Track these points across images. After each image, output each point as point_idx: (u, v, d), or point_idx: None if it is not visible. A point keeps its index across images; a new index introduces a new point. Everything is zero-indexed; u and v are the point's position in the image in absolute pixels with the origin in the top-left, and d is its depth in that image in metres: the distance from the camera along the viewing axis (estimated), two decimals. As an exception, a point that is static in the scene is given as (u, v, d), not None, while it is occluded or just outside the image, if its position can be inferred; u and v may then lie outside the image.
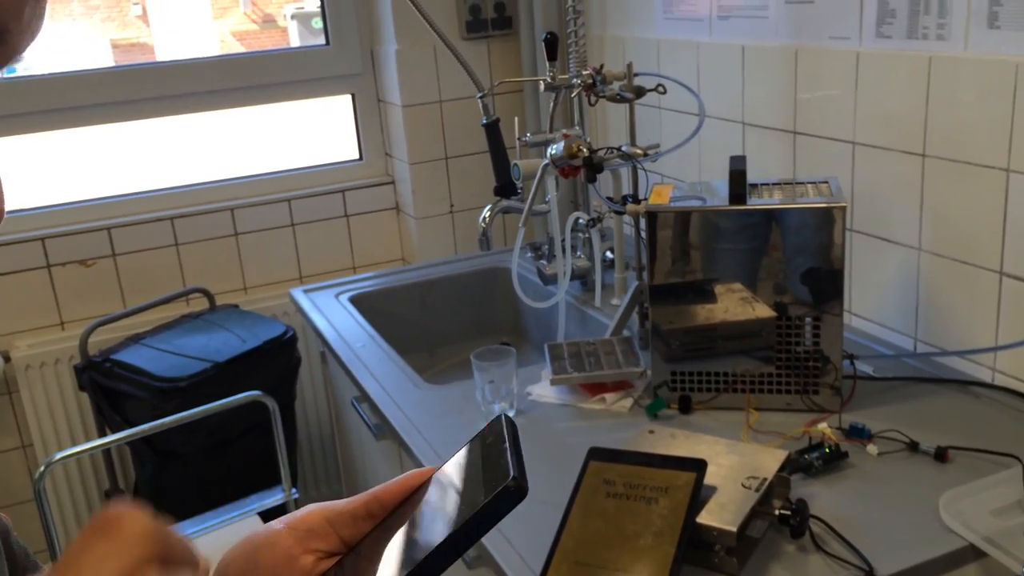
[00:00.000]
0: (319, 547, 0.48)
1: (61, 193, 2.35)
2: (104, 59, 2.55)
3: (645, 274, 1.54)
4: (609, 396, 1.40)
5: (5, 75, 2.19)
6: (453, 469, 0.54)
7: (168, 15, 2.76)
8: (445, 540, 0.48)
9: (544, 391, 1.43)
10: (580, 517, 1.02)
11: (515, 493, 0.49)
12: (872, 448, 1.20)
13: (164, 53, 2.56)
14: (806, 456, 1.17)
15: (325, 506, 0.49)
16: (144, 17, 2.70)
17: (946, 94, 1.32)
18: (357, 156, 2.57)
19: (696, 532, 0.99)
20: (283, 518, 0.50)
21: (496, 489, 0.49)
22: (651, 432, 1.19)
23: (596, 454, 1.08)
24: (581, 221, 1.52)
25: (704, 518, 1.00)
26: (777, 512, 1.05)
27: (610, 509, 1.02)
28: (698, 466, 1.03)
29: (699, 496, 1.01)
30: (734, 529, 0.98)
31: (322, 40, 2.47)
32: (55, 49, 2.44)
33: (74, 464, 2.28)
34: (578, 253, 1.91)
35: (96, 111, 2.28)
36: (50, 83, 2.23)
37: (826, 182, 1.34)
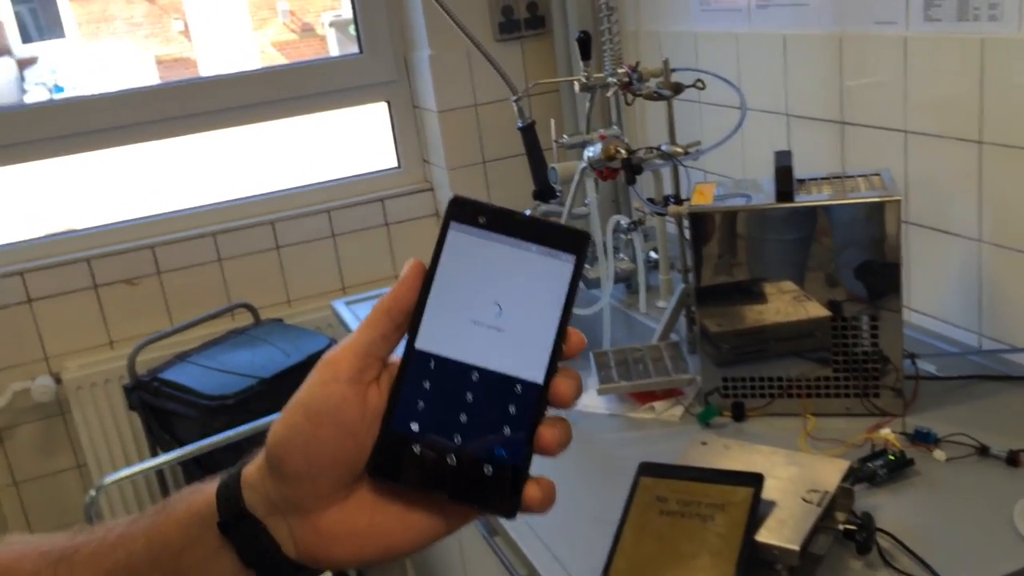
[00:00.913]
0: (370, 378, 0.49)
1: (105, 213, 2.37)
2: (149, 75, 2.57)
3: (691, 276, 1.50)
4: (659, 404, 1.36)
5: (54, 95, 2.21)
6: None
7: (209, 29, 2.78)
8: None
9: (591, 401, 1.40)
10: (632, 537, 0.99)
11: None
12: (939, 454, 1.15)
13: (207, 67, 2.57)
14: (869, 464, 1.12)
15: (350, 343, 0.49)
16: (186, 32, 2.72)
17: (1001, 77, 1.25)
18: (395, 164, 2.55)
19: (755, 551, 0.95)
20: (318, 377, 0.49)
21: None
22: (704, 443, 1.15)
23: (647, 469, 1.04)
24: (623, 224, 1.48)
25: (764, 536, 0.96)
26: (842, 527, 1.00)
27: (664, 528, 0.98)
28: (755, 480, 0.99)
29: (757, 512, 0.97)
30: (796, 547, 0.94)
31: (356, 47, 2.46)
32: (103, 68, 2.47)
33: (128, 483, 2.30)
34: (620, 255, 1.87)
35: (141, 129, 2.29)
36: (95, 104, 2.25)
37: (878, 174, 1.28)
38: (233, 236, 2.37)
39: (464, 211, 0.49)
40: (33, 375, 2.26)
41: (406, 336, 0.49)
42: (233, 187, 2.45)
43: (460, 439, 0.48)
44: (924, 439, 1.18)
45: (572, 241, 0.49)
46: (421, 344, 0.49)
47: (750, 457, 1.10)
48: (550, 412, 0.49)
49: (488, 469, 0.48)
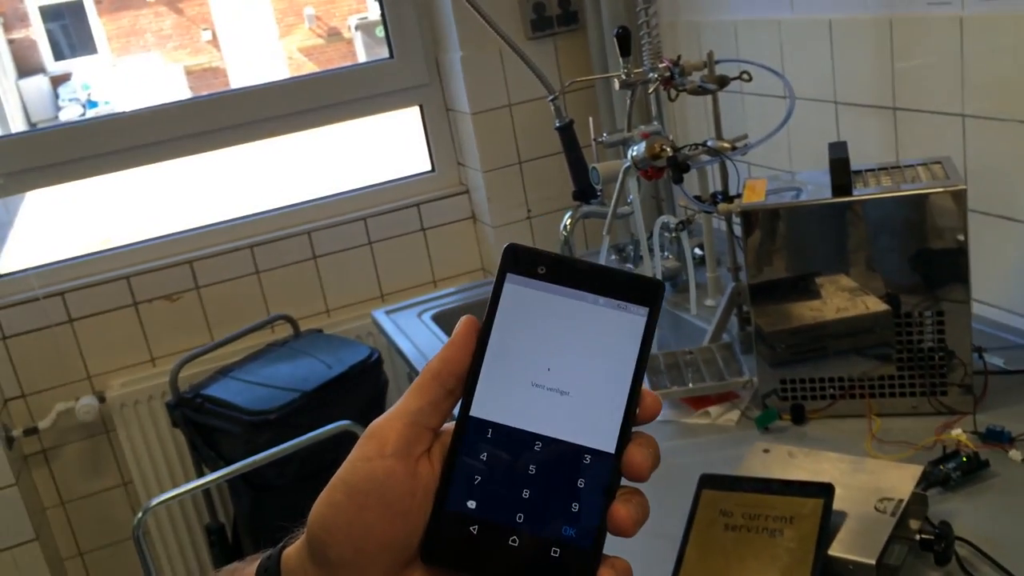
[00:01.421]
0: (420, 451, 0.44)
1: (142, 230, 2.36)
2: (179, 86, 2.57)
3: (742, 274, 1.45)
4: (714, 409, 1.31)
5: (87, 110, 2.21)
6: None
7: (237, 37, 2.77)
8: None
9: (643, 407, 1.35)
10: (697, 554, 0.94)
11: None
12: (1015, 453, 1.09)
13: (236, 75, 2.56)
14: (941, 467, 1.06)
15: (397, 412, 0.44)
16: (215, 42, 2.72)
17: (1068, 54, 1.19)
18: (429, 168, 2.52)
19: (829, 566, 0.90)
20: (362, 451, 0.44)
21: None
22: (765, 451, 1.10)
23: (709, 482, 1.00)
24: (671, 224, 1.44)
25: (837, 550, 0.91)
26: (918, 536, 0.95)
27: (729, 544, 0.94)
28: (825, 491, 0.94)
29: (829, 525, 0.92)
30: (873, 561, 0.89)
31: (385, 48, 2.43)
32: (134, 82, 2.47)
33: (175, 502, 2.29)
34: (665, 254, 1.82)
35: (174, 145, 2.29)
36: (128, 122, 2.25)
37: (938, 162, 1.22)
38: (270, 248, 2.36)
39: (520, 261, 0.45)
40: (77, 395, 2.26)
41: (460, 403, 0.45)
42: (268, 198, 2.44)
43: (523, 518, 0.43)
44: (997, 438, 1.12)
45: (644, 291, 0.44)
46: (477, 411, 0.44)
47: (816, 465, 1.05)
48: (624, 484, 0.44)
49: (556, 552, 0.42)
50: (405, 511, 0.43)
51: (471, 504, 0.43)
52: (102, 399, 2.26)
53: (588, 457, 0.43)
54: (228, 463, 1.78)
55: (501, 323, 0.44)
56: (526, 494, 0.43)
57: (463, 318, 0.45)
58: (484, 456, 0.43)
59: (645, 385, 0.44)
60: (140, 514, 1.58)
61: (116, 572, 2.38)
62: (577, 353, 0.44)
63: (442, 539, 0.43)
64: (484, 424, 0.44)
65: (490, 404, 0.44)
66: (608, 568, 0.42)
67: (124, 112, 2.28)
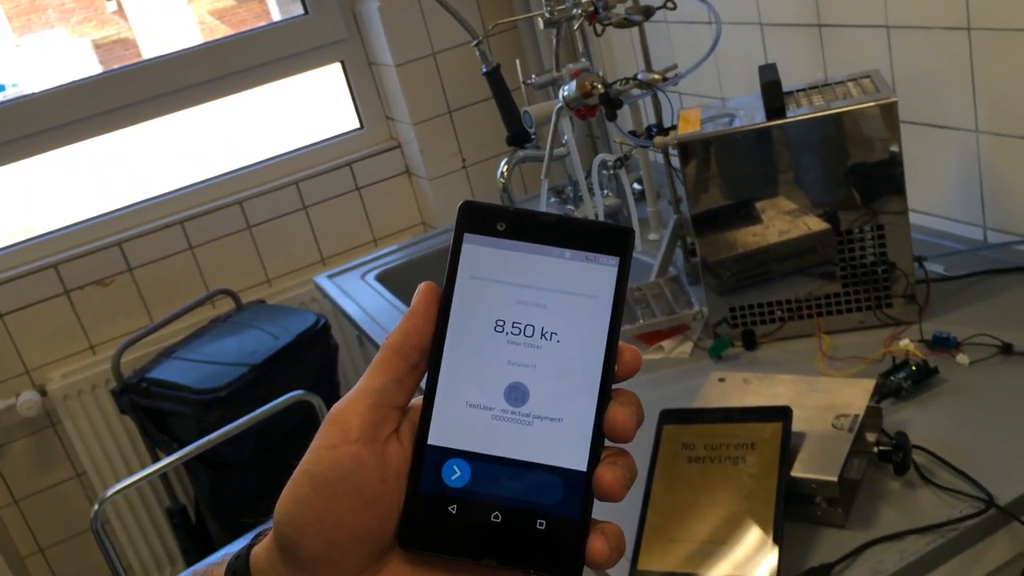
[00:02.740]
0: (388, 432, 0.41)
1: (64, 215, 2.27)
2: (88, 62, 2.45)
3: (683, 206, 1.44)
4: (667, 343, 1.31)
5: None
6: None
7: (144, 5, 2.66)
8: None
9: (597, 348, 1.35)
10: (663, 489, 0.95)
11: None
12: (962, 358, 1.11)
13: (147, 46, 2.45)
14: (892, 378, 1.08)
15: (358, 393, 0.41)
16: (121, 12, 2.60)
17: (987, -44, 1.19)
18: (357, 125, 2.46)
19: (793, 487, 0.91)
20: (325, 439, 0.40)
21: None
22: (721, 380, 1.10)
23: (669, 416, 1.00)
24: (608, 162, 1.42)
25: (799, 470, 0.92)
26: (876, 449, 0.96)
27: (694, 476, 0.94)
28: (783, 414, 0.95)
29: (789, 447, 0.93)
30: (835, 478, 0.90)
31: (299, 4, 2.35)
32: (40, 61, 2.35)
33: (133, 489, 2.25)
34: (605, 191, 1.81)
35: (89, 124, 2.19)
36: (36, 103, 2.14)
37: (867, 76, 1.22)
38: (201, 221, 2.29)
39: (478, 218, 0.42)
40: (17, 391, 2.19)
41: (426, 377, 0.42)
42: (195, 171, 2.36)
43: (504, 492, 0.40)
44: (944, 344, 1.14)
45: (613, 240, 0.41)
46: (445, 384, 0.41)
47: (772, 389, 1.06)
48: (609, 446, 0.41)
49: (541, 524, 0.40)
50: (377, 498, 0.40)
51: (447, 483, 0.41)
52: (43, 393, 2.19)
53: (567, 420, 0.41)
54: (182, 445, 1.74)
55: (462, 287, 0.42)
56: (505, 467, 0.41)
57: (421, 285, 0.42)
58: (457, 431, 0.41)
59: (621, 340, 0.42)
60: (97, 505, 1.54)
61: (80, 564, 2.34)
62: (547, 312, 0.41)
63: (419, 522, 0.41)
64: (454, 397, 0.41)
65: (459, 375, 0.41)
66: (598, 535, 0.40)
67: (34, 93, 2.17)
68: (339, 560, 0.40)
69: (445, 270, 0.42)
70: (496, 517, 0.40)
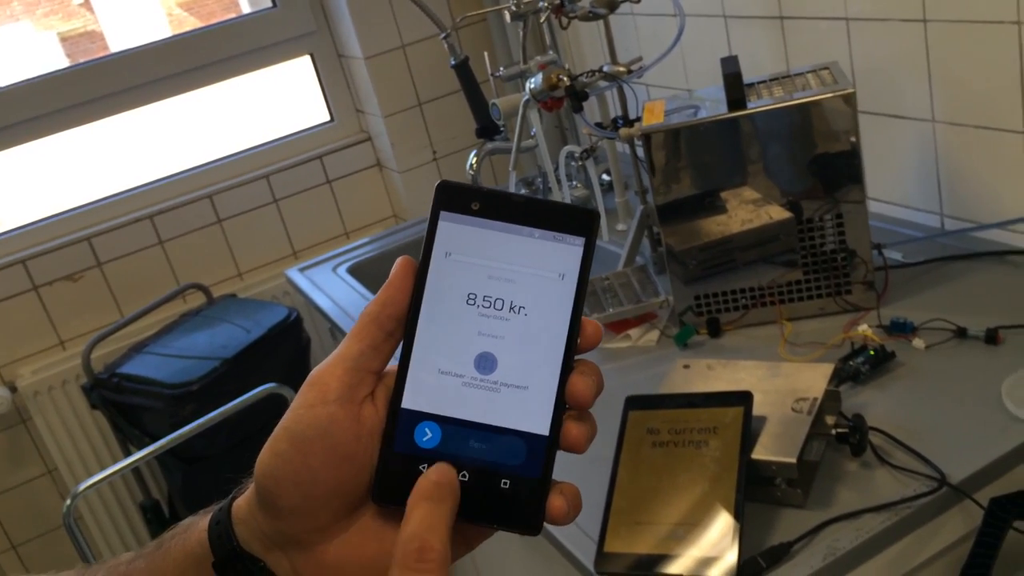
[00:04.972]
0: (363, 395, 0.44)
1: (33, 211, 2.26)
2: (55, 55, 2.43)
3: (649, 196, 1.47)
4: (634, 332, 1.33)
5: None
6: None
7: (111, -3, 2.63)
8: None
9: (565, 337, 1.37)
10: (629, 473, 0.97)
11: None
12: (918, 342, 1.14)
13: (115, 39, 2.42)
14: (851, 363, 1.11)
15: (337, 358, 0.44)
16: (87, 4, 2.57)
17: (941, -50, 1.22)
18: (328, 118, 2.46)
19: (754, 469, 0.94)
20: (304, 399, 0.43)
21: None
22: (686, 367, 1.13)
23: (634, 402, 1.02)
24: (576, 153, 1.44)
25: (760, 453, 0.95)
26: (834, 431, 0.99)
27: (659, 460, 0.97)
28: (744, 399, 0.97)
29: (750, 431, 0.95)
30: (794, 460, 0.93)
31: (268, 0, 2.34)
32: (6, 54, 2.33)
33: (105, 484, 2.24)
34: (573, 182, 1.83)
35: (54, 118, 2.18)
36: (3, 97, 2.12)
37: (826, 68, 1.25)
38: (171, 216, 2.28)
39: (453, 197, 0.44)
40: (-14, 387, 2.17)
41: (401, 344, 0.44)
42: (163, 165, 2.35)
43: (471, 453, 0.43)
44: (901, 329, 1.17)
45: (579, 221, 0.44)
46: (419, 351, 0.44)
47: (734, 375, 1.08)
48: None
49: (505, 483, 0.43)
50: (351, 455, 0.43)
51: (419, 444, 0.43)
52: (13, 389, 2.18)
53: (532, 388, 0.44)
54: (154, 439, 1.75)
55: (437, 261, 0.44)
56: (473, 430, 0.43)
57: (399, 259, 0.45)
58: (430, 396, 0.44)
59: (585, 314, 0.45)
60: (69, 500, 1.54)
61: (54, 560, 2.33)
62: (516, 286, 0.44)
63: (392, 480, 0.43)
64: (427, 364, 0.44)
65: (432, 343, 0.44)
66: (557, 494, 0.43)
67: (0, 88, 2.16)
68: (315, 511, 0.43)
69: (421, 246, 0.45)
70: (464, 476, 0.43)
